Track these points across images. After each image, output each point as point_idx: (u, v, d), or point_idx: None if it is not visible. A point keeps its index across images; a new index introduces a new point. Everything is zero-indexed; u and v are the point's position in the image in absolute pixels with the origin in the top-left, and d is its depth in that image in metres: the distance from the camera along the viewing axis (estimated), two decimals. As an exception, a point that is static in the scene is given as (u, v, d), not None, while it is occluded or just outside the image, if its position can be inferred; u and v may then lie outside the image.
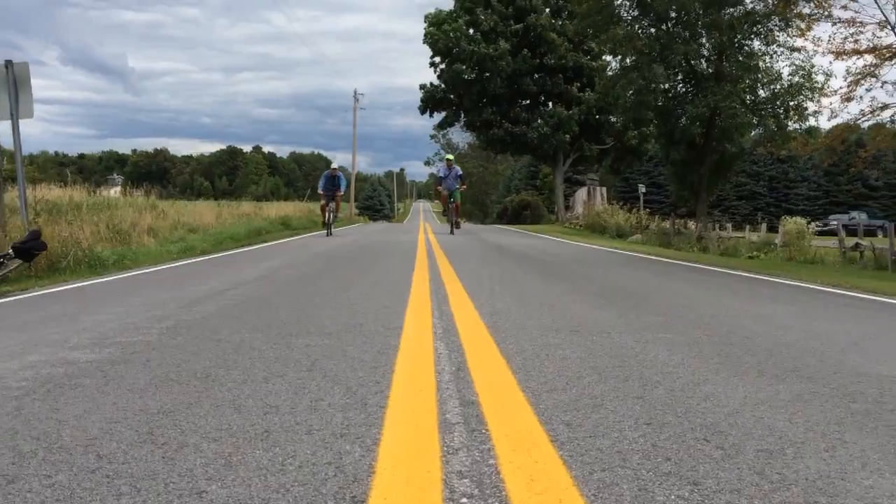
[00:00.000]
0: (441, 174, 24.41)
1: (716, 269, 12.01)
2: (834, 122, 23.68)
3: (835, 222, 60.16)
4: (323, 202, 23.24)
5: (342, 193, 23.63)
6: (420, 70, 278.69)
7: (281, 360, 3.65)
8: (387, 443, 2.29)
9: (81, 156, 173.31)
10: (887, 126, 16.34)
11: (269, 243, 18.77)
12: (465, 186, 25.26)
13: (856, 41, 16.16)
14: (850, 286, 9.14)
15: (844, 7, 16.12)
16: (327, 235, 21.84)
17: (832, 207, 64.93)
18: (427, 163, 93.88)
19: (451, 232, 23.16)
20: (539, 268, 10.43)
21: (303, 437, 2.37)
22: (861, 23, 15.89)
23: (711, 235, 28.26)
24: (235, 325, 4.78)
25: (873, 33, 15.85)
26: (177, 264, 12.35)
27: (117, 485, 2.01)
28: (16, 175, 12.56)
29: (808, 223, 22.11)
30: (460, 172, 24.21)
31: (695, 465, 2.12)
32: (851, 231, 57.73)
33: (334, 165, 23.88)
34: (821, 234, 52.22)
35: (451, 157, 25.88)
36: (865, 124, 17.44)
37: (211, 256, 13.99)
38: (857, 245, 19.69)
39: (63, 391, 3.12)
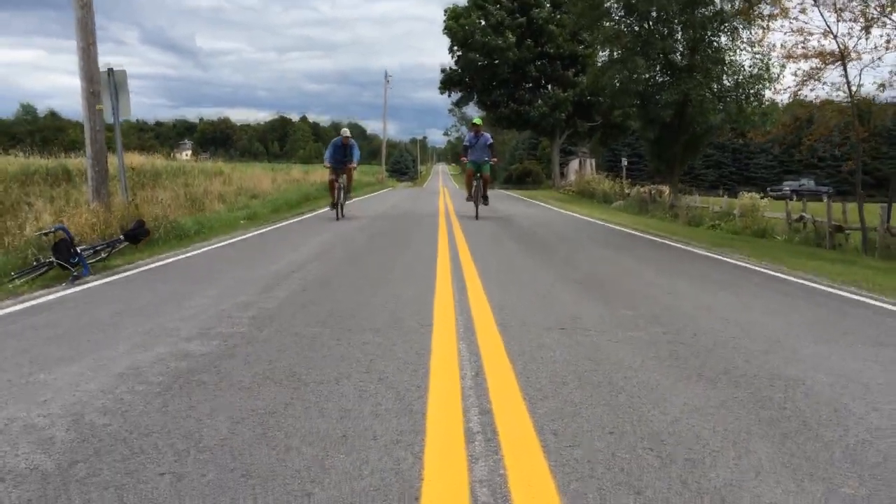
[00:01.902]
0: (467, 142, 16.80)
1: (681, 246, 12.30)
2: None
3: (787, 188, 60.00)
4: (331, 176, 16.13)
5: (355, 166, 16.36)
6: (440, 50, 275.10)
7: (346, 359, 4.11)
8: (429, 451, 2.75)
9: (158, 123, 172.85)
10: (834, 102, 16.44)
11: (317, 212, 19.13)
12: (496, 160, 17.36)
13: (804, 46, 16.18)
14: (788, 269, 9.41)
15: (796, 18, 16.09)
16: (337, 219, 15.67)
17: (786, 175, 64.51)
18: (446, 133, 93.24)
19: (476, 216, 16.40)
20: (537, 251, 10.78)
21: (370, 444, 2.83)
22: (809, 32, 15.90)
23: (681, 204, 28.48)
24: (306, 318, 5.24)
25: (818, 40, 15.87)
26: (247, 235, 12.78)
27: (251, 483, 2.48)
28: (118, 162, 13.03)
29: (762, 197, 22.30)
30: (490, 141, 16.67)
31: (640, 475, 2.56)
32: (801, 195, 57.39)
33: (345, 132, 16.46)
34: (775, 197, 52.17)
35: (479, 120, 17.65)
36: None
37: (273, 227, 14.40)
38: (801, 217, 19.92)
39: (192, 388, 3.59)
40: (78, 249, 7.61)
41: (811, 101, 18.22)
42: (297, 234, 12.73)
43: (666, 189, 34.10)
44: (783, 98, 25.62)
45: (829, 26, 15.55)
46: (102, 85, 11.88)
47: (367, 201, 27.54)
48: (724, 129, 31.90)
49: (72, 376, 3.79)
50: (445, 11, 46.05)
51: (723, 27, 28.61)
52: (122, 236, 8.44)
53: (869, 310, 6.34)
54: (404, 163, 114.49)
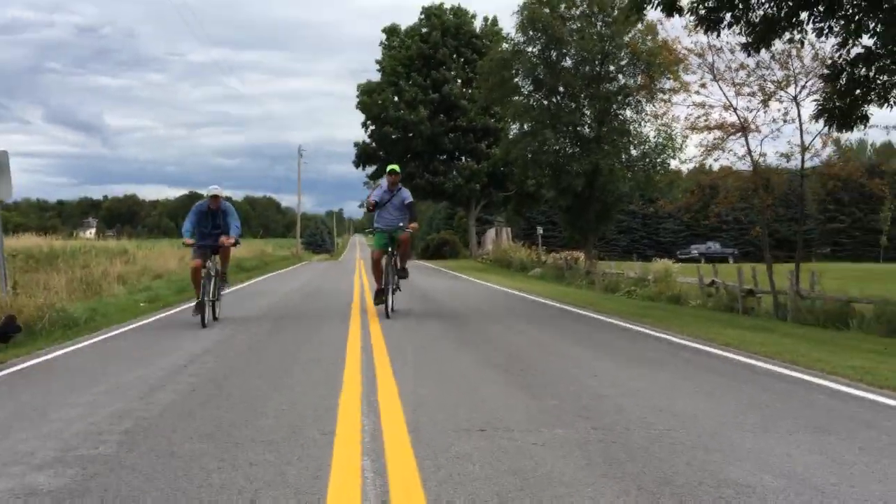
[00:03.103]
0: (376, 197, 11.44)
1: (602, 318, 12.08)
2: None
3: (695, 251, 62.25)
4: (196, 260, 10.70)
5: (233, 241, 10.96)
6: (354, 123, 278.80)
7: (226, 489, 3.44)
8: None
9: (60, 202, 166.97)
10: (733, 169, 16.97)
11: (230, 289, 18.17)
12: (415, 226, 11.69)
13: (706, 118, 16.72)
14: (708, 340, 9.24)
15: (697, 92, 16.66)
16: (203, 325, 10.25)
17: (693, 238, 67.07)
18: (361, 205, 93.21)
19: (388, 314, 11.00)
20: (455, 330, 10.31)
21: None
22: (711, 105, 16.45)
23: (597, 271, 28.76)
24: (188, 430, 4.52)
25: (720, 113, 16.43)
26: (142, 323, 11.80)
27: None
28: (-5, 249, 11.94)
29: (674, 262, 22.68)
30: (409, 199, 11.48)
31: None
32: (709, 258, 59.45)
33: (214, 189, 10.98)
34: (684, 260, 53.84)
35: (396, 166, 12.05)
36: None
37: (173, 311, 13.45)
38: (713, 282, 20.26)
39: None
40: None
41: (713, 170, 18.83)
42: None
43: (581, 256, 34.62)
44: (689, 166, 26.66)
45: (728, 100, 16.12)
46: (-20, 167, 10.96)
47: (276, 279, 26.57)
48: (634, 197, 32.86)
49: None
50: (358, 87, 46.56)
51: (627, 101, 29.74)
52: (-13, 335, 7.48)
53: (801, 387, 6.07)
54: (320, 235, 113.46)
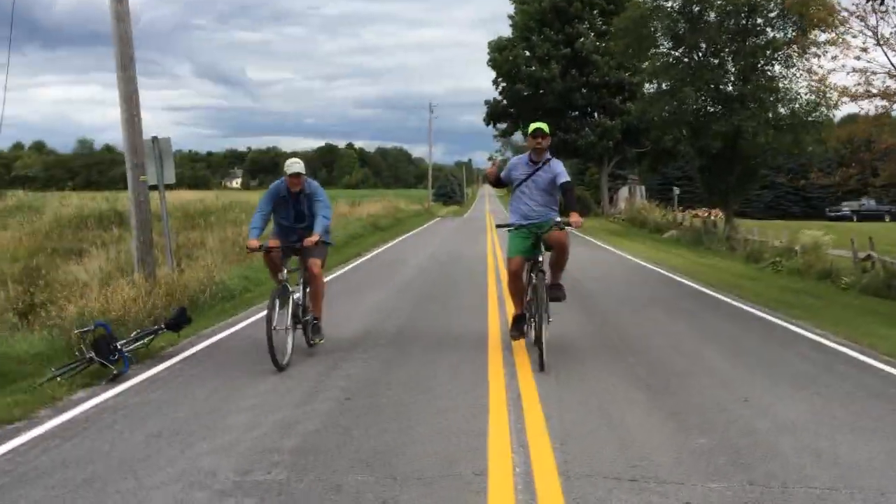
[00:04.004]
0: (519, 174, 7.49)
1: (748, 309, 11.50)
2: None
3: (847, 209, 57.89)
4: (272, 255, 7.43)
5: (317, 237, 7.23)
6: (484, 74, 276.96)
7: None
8: None
9: (209, 153, 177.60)
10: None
11: (364, 257, 18.75)
12: (579, 220, 6.98)
13: (868, 85, 15.38)
14: (865, 344, 8.65)
15: (857, 58, 15.33)
16: (279, 369, 7.00)
17: (844, 195, 62.27)
18: (490, 158, 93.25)
19: (541, 365, 6.87)
20: (596, 328, 10.22)
21: None
22: (873, 72, 15.10)
23: (738, 237, 27.44)
24: (341, 459, 4.79)
25: (883, 81, 15.06)
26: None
27: None
28: (164, 230, 12.93)
29: (824, 235, 21.26)
30: (566, 178, 7.30)
31: None
32: (862, 216, 55.21)
33: (294, 166, 7.48)
34: (834, 218, 50.33)
35: (543, 125, 7.44)
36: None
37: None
38: (868, 256, 18.84)
39: None
40: (118, 345, 7.39)
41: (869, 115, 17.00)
42: (347, 297, 12.32)
43: (720, 215, 33.08)
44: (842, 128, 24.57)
45: (894, 66, 14.72)
46: (147, 153, 11.83)
47: (399, 246, 27.01)
48: (777, 160, 30.84)
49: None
50: (489, 44, 46.03)
51: (776, 55, 27.77)
52: (163, 326, 8.22)
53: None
54: (450, 187, 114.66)
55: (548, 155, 7.48)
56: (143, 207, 11.57)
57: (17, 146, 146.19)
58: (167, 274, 12.02)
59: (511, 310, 8.21)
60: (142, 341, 7.92)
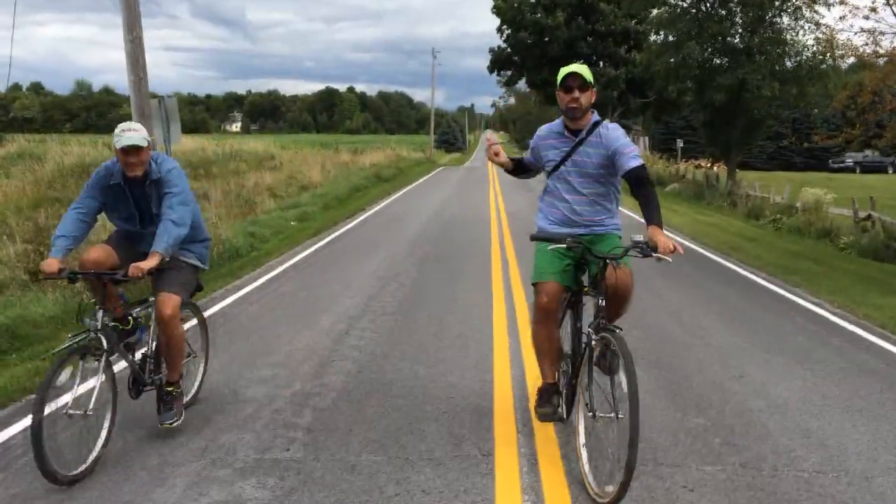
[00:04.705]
0: (544, 148, 4.59)
1: (744, 274, 11.67)
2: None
3: (850, 160, 57.60)
4: (93, 285, 4.77)
5: (155, 262, 4.39)
6: (487, 19, 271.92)
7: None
8: None
9: (208, 96, 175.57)
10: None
11: (367, 214, 18.76)
12: (667, 242, 3.78)
13: (876, 45, 15.26)
14: (861, 314, 8.86)
15: (866, 17, 15.15)
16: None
17: (848, 146, 61.85)
18: (494, 105, 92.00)
19: (594, 492, 4.00)
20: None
21: None
22: (881, 32, 14.96)
23: (740, 192, 27.53)
24: (363, 435, 5.02)
25: (891, 41, 14.90)
26: (296, 260, 12.67)
27: None
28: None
29: (826, 194, 21.36)
30: (629, 156, 4.15)
31: None
32: (865, 168, 54.95)
33: (130, 135, 4.40)
34: (837, 170, 50.09)
35: (582, 69, 4.23)
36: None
37: (322, 243, 14.29)
38: (868, 216, 18.99)
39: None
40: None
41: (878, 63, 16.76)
42: (352, 259, 12.50)
43: (723, 166, 33.05)
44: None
45: (905, 27, 14.57)
46: (153, 114, 11.83)
47: (411, 199, 27.01)
48: (781, 114, 30.64)
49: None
50: (493, -9, 45.14)
51: (785, 6, 27.37)
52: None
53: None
54: (452, 134, 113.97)
55: (595, 117, 4.50)
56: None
57: (15, 87, 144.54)
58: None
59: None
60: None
